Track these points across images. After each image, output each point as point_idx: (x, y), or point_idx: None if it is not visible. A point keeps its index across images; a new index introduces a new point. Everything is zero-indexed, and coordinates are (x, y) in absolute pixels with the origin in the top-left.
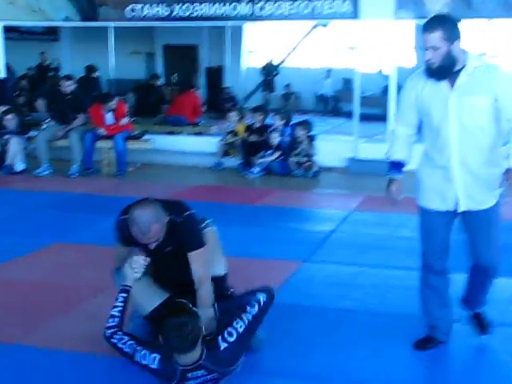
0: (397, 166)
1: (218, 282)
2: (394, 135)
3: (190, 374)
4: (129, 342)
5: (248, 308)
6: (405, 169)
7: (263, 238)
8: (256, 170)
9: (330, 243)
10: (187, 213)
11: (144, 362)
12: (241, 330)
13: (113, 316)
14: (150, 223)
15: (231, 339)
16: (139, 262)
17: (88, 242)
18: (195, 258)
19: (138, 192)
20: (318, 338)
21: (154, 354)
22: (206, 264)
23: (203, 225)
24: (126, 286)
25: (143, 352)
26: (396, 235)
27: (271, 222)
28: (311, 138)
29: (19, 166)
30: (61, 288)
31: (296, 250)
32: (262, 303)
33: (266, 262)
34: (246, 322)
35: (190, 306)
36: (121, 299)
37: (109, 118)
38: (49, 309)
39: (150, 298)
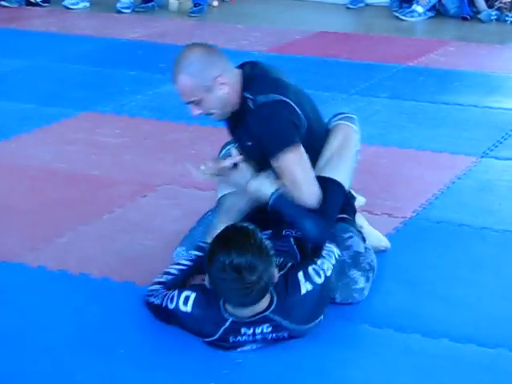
0: None
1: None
2: None
3: (244, 329)
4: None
5: (325, 252)
6: None
7: (419, 119)
8: (419, 8)
9: None
10: (278, 97)
11: (171, 307)
12: (328, 272)
13: (167, 273)
14: (179, 71)
15: (319, 281)
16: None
17: (137, 113)
18: (280, 169)
19: (225, 40)
20: (493, 277)
21: (188, 292)
22: (302, 176)
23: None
24: (205, 243)
25: (173, 293)
26: None
27: (435, 94)
28: None
29: None
30: (90, 180)
31: (470, 139)
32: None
33: (419, 154)
34: (331, 269)
35: (260, 235)
36: (190, 257)
37: None
38: (70, 210)
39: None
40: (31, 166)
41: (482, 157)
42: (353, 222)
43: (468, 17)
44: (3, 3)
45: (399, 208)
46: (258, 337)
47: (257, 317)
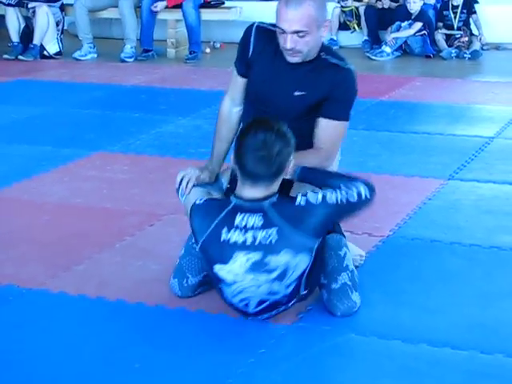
0: None
1: None
2: None
3: (239, 218)
4: None
5: (344, 188)
6: None
7: (392, 147)
8: (387, 49)
9: (488, 153)
10: (350, 65)
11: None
12: (329, 201)
13: None
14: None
15: (313, 200)
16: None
17: (142, 151)
18: (329, 128)
19: (217, 83)
20: (463, 287)
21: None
22: (339, 144)
23: None
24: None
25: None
26: None
27: (405, 124)
28: (472, 1)
29: (52, 48)
30: (103, 212)
31: (438, 164)
32: (362, 196)
33: (393, 179)
34: (338, 199)
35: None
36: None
37: None
38: (86, 241)
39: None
40: (50, 202)
41: (449, 179)
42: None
43: (431, 55)
44: (20, 57)
45: (378, 228)
46: (249, 235)
47: (255, 203)
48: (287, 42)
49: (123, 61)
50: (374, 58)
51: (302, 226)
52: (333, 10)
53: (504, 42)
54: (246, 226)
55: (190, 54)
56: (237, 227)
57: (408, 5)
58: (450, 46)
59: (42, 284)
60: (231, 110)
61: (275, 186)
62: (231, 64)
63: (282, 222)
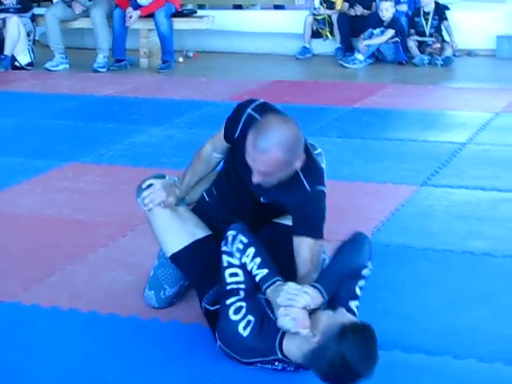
0: None
1: None
2: None
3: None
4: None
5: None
6: None
7: (365, 154)
8: (360, 56)
9: (460, 159)
10: (321, 187)
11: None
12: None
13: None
14: (277, 144)
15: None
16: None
17: (115, 162)
18: (305, 245)
19: (191, 92)
20: (436, 293)
21: (251, 317)
22: (319, 256)
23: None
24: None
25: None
26: None
27: (378, 131)
28: (443, 8)
29: (23, 58)
30: (75, 223)
31: (411, 170)
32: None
33: (366, 186)
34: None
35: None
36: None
37: None
38: (59, 252)
39: (177, 235)
40: (22, 213)
41: (422, 185)
42: None
43: (404, 62)
44: None
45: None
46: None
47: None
48: (253, 177)
49: (96, 71)
50: (346, 65)
51: None
52: (305, 18)
53: (476, 49)
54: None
55: (163, 63)
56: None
57: (380, 12)
58: (422, 52)
59: (14, 296)
60: (211, 155)
61: None
62: (204, 73)
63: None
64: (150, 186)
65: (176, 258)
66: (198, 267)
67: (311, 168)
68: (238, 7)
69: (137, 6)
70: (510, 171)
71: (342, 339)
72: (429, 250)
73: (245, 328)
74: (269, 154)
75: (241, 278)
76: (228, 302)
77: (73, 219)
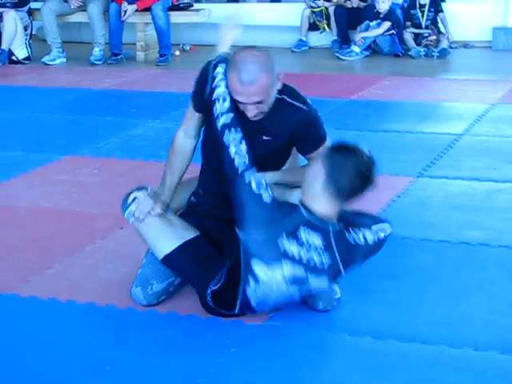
0: None
1: None
2: None
3: (304, 230)
4: None
5: (376, 229)
6: None
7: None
8: (356, 48)
9: (456, 150)
10: (309, 102)
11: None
12: (369, 241)
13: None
14: (258, 70)
15: (359, 241)
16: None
17: (112, 155)
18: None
19: (187, 85)
20: (433, 283)
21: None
22: None
23: None
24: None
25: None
26: None
27: (375, 123)
28: (439, 0)
29: (20, 53)
30: (73, 216)
31: (407, 161)
32: (387, 234)
33: None
34: (374, 239)
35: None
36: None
37: None
38: (57, 244)
39: (168, 238)
40: (20, 206)
41: (418, 176)
42: None
43: (400, 54)
44: None
45: None
46: (304, 252)
47: (323, 222)
48: (248, 112)
49: (93, 64)
50: (343, 57)
51: (347, 261)
52: (302, 11)
53: (471, 40)
54: (307, 241)
55: (161, 56)
56: (298, 239)
57: (377, 4)
58: (418, 44)
59: (12, 288)
60: (184, 142)
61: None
62: (201, 66)
63: (335, 251)
64: (134, 199)
65: (168, 258)
66: (191, 264)
67: (289, 89)
68: (235, 0)
69: (132, 1)
70: (506, 162)
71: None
72: (425, 241)
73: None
74: (257, 82)
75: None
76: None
77: (70, 212)
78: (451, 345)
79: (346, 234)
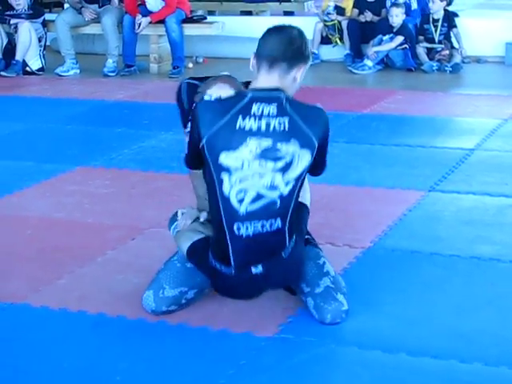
0: None
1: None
2: None
3: (255, 105)
4: None
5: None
6: None
7: (373, 160)
8: (369, 62)
9: (468, 165)
10: None
11: None
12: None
13: None
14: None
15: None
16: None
17: (124, 166)
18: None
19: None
20: (443, 297)
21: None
22: None
23: None
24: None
25: None
26: None
27: (387, 137)
28: (452, 15)
29: (34, 64)
30: (85, 227)
31: (419, 176)
32: None
33: (374, 191)
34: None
35: None
36: None
37: None
38: (68, 255)
39: (190, 237)
40: (32, 216)
41: (430, 191)
42: (317, 245)
43: (413, 68)
44: (3, 73)
45: (358, 239)
46: (263, 122)
47: (272, 92)
48: None
49: (106, 75)
50: (355, 71)
51: (309, 122)
52: (315, 24)
53: (484, 55)
54: (262, 113)
55: (174, 68)
56: (253, 115)
57: (390, 18)
58: (431, 59)
59: (23, 298)
60: None
61: (288, 81)
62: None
63: (293, 114)
64: (182, 213)
65: (189, 252)
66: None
67: None
68: (248, 13)
69: (146, 13)
70: None
71: None
72: (436, 255)
73: None
74: None
75: None
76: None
77: (82, 222)
78: (462, 359)
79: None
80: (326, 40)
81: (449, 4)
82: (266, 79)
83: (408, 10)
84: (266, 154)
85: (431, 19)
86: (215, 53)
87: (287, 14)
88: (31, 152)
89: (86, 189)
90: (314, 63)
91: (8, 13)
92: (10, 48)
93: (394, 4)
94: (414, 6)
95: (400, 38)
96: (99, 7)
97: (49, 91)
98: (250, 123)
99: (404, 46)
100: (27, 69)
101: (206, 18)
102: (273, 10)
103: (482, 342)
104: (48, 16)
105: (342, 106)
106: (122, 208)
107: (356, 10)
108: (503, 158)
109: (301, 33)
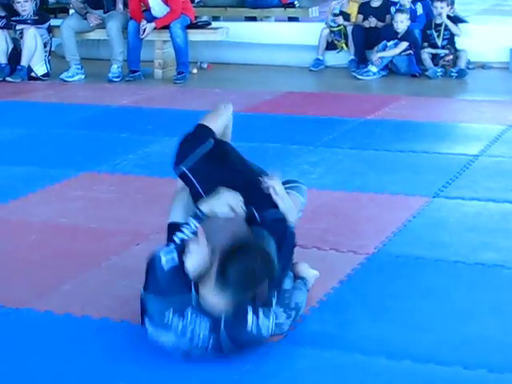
0: None
1: None
2: None
3: (191, 312)
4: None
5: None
6: None
7: (378, 165)
8: (374, 68)
9: (472, 171)
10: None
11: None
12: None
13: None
14: None
15: (264, 331)
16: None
17: (129, 171)
18: None
19: (204, 103)
20: (447, 303)
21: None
22: None
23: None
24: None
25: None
26: None
27: (391, 143)
28: (457, 20)
29: (40, 69)
30: (89, 232)
31: (423, 182)
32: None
33: (379, 197)
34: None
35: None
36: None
37: (154, 1)
38: (72, 260)
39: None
40: (37, 222)
41: (434, 197)
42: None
43: (417, 74)
44: (8, 79)
45: (363, 245)
46: (188, 329)
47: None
48: None
49: (110, 81)
50: (360, 77)
51: (242, 348)
52: (321, 30)
53: (489, 61)
54: (193, 323)
55: (178, 74)
56: (184, 318)
57: (395, 24)
58: (435, 64)
59: (28, 303)
60: None
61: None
62: (218, 84)
63: (222, 335)
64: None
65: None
66: None
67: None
68: (253, 19)
69: (151, 19)
70: None
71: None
72: (440, 261)
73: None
74: None
75: None
76: None
77: (86, 228)
78: (466, 366)
79: (242, 322)
80: (331, 45)
81: (451, 8)
82: (215, 299)
83: (414, 16)
84: (177, 349)
85: (433, 24)
86: (219, 58)
87: (292, 19)
88: (36, 157)
89: (91, 194)
90: (319, 69)
91: (14, 18)
92: (16, 53)
93: (399, 10)
94: (420, 11)
95: (404, 44)
96: (104, 13)
97: (54, 96)
98: (177, 321)
99: (408, 52)
100: (32, 74)
101: (210, 24)
102: (277, 16)
103: (487, 348)
104: (53, 22)
105: (347, 111)
106: (126, 213)
107: (361, 16)
108: (508, 164)
109: (267, 267)
